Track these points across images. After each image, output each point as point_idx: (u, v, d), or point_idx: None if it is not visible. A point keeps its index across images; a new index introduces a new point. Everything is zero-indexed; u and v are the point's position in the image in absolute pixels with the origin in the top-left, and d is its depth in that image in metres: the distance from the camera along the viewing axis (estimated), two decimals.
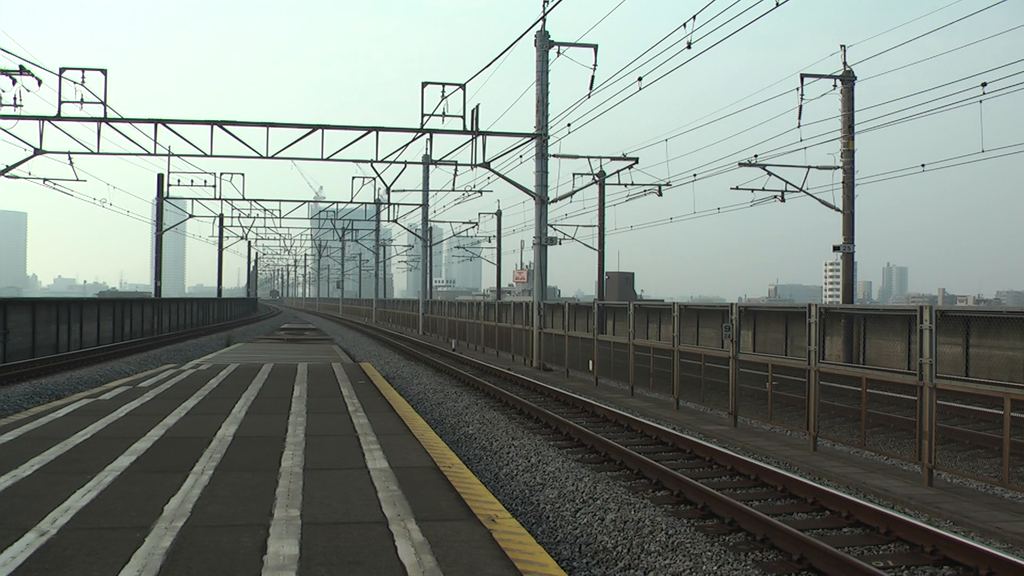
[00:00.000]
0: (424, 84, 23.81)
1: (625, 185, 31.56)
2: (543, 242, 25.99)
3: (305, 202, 59.57)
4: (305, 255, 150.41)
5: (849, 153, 25.01)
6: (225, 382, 15.91)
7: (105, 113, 23.30)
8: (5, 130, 24.00)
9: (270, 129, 24.80)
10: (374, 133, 24.98)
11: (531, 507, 9.03)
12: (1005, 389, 9.58)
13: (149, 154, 24.91)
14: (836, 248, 25.54)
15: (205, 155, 24.98)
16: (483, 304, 35.69)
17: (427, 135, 25.11)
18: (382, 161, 26.19)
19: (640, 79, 20.36)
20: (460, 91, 23.81)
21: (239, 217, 62.63)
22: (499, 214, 58.60)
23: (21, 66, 22.66)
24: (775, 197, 27.64)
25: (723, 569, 6.70)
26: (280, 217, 58.46)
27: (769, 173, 26.80)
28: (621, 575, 6.87)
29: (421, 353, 31.66)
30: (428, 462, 8.37)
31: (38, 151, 24.74)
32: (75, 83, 22.56)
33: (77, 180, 32.39)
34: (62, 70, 22.56)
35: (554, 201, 27.37)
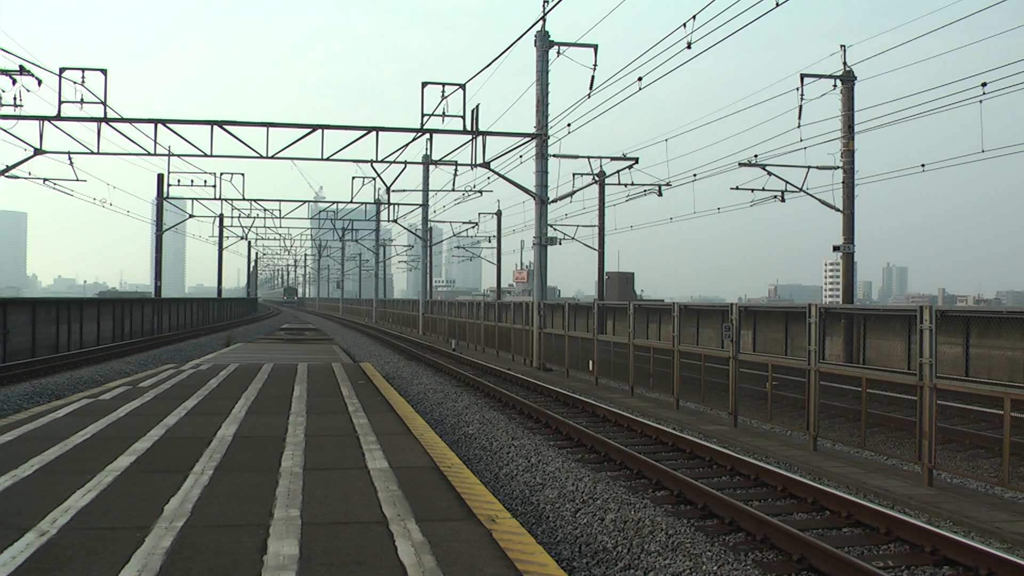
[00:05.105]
0: (424, 84, 23.83)
1: (625, 185, 31.60)
2: (543, 242, 25.99)
3: (305, 202, 59.55)
4: (305, 255, 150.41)
5: (849, 153, 25.01)
6: (225, 382, 15.91)
7: (105, 113, 23.31)
8: (5, 130, 24.03)
9: (270, 129, 24.81)
10: (374, 133, 24.98)
11: (531, 507, 9.03)
12: (1005, 389, 9.57)
13: (149, 154, 24.92)
14: (836, 248, 25.55)
15: (205, 155, 24.99)
16: (483, 304, 35.66)
17: (427, 135, 25.12)
18: (382, 161, 26.21)
19: (640, 79, 20.38)
20: (460, 91, 23.82)
21: (239, 217, 62.67)
22: (499, 214, 58.61)
23: (21, 66, 22.66)
24: (775, 197, 27.64)
25: (723, 569, 6.69)
26: (280, 217, 58.46)
27: (769, 173, 26.80)
28: (621, 575, 6.87)
29: (421, 353, 31.66)
30: (428, 462, 8.37)
31: (38, 151, 24.75)
32: (75, 83, 22.57)
33: (77, 180, 32.41)
34: (62, 70, 22.56)
35: (554, 201, 27.38)
